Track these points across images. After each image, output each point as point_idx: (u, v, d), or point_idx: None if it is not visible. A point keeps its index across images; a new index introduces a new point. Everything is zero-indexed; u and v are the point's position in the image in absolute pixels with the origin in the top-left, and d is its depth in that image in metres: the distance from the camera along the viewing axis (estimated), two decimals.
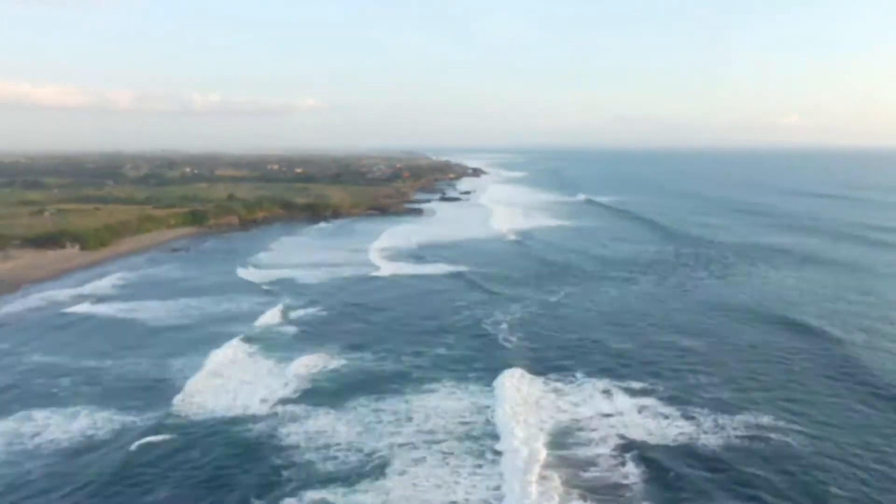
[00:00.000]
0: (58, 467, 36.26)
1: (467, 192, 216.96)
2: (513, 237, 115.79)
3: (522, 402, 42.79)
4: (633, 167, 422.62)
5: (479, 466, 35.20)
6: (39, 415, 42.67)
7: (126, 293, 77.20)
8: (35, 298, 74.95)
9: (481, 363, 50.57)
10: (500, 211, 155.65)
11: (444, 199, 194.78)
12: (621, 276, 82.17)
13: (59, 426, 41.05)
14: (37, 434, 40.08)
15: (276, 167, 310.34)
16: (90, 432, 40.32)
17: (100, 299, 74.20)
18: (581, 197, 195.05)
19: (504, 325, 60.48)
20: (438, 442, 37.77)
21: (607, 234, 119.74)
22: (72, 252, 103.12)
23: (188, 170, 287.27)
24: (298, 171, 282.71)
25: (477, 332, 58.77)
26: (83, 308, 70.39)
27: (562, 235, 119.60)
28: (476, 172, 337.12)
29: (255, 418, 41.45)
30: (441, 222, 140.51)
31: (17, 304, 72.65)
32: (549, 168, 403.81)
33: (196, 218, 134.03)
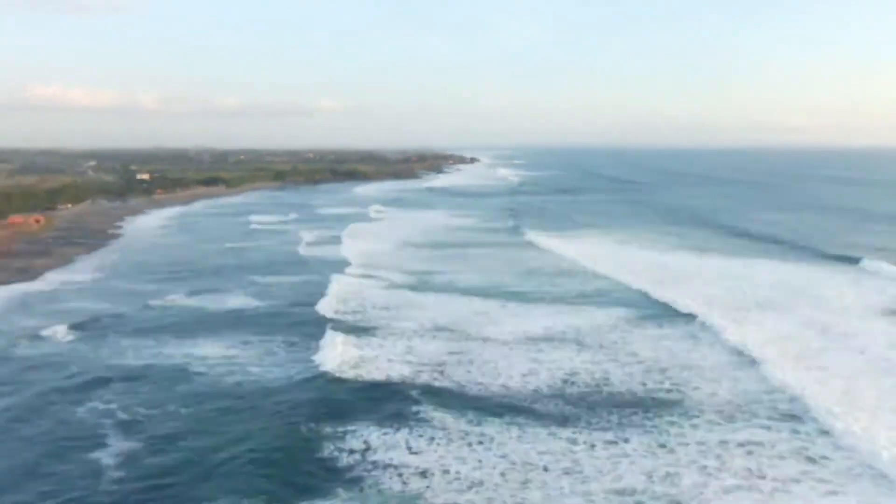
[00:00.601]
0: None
1: (458, 170, 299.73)
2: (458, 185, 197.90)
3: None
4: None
5: None
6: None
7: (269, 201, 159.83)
8: (228, 200, 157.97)
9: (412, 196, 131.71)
10: (463, 179, 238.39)
11: (440, 172, 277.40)
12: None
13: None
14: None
15: (311, 155, 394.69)
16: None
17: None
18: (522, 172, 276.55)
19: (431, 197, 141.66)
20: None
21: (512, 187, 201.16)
22: (222, 188, 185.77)
23: (242, 157, 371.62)
24: (331, 157, 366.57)
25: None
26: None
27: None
28: (472, 160, 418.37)
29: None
30: (428, 182, 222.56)
31: (227, 200, 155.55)
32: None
33: (280, 176, 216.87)
